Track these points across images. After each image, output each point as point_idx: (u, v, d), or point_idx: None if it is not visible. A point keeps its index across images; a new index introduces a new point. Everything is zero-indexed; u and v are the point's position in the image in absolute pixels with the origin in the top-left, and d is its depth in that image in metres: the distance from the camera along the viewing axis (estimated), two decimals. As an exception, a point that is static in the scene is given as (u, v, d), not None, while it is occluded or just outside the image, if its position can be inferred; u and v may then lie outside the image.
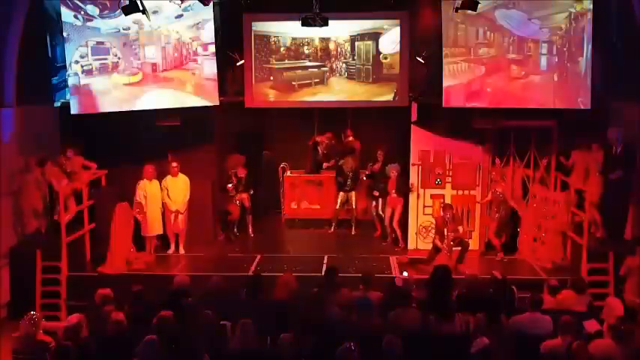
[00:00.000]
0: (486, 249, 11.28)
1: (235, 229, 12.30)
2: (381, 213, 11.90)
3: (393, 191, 11.56)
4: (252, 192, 12.17)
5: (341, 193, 12.43)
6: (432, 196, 11.61)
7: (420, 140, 11.56)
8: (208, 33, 10.65)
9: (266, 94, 11.48)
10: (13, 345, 7.01)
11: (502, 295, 7.92)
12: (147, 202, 10.93)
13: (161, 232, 11.26)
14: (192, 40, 10.69)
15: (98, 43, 10.33)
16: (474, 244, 11.40)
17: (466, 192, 11.48)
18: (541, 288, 8.22)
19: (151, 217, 11.00)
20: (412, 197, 11.64)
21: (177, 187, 11.16)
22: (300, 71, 11.37)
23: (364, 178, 12.35)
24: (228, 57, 11.36)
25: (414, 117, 11.58)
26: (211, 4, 10.28)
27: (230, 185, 11.79)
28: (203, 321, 6.91)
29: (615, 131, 10.33)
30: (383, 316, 7.23)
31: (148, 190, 10.96)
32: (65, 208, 10.50)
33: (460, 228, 10.57)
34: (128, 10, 9.39)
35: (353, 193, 12.39)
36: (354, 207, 12.49)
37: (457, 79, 10.53)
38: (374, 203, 12.10)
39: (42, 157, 10.66)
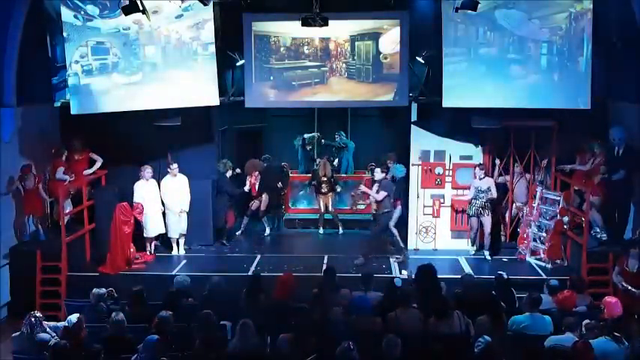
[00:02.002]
0: (478, 249, 11.25)
1: (242, 229, 12.39)
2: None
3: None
4: (280, 185, 12.44)
5: (320, 196, 12.47)
6: (433, 197, 11.61)
7: (420, 140, 11.56)
8: (208, 33, 10.63)
9: (266, 94, 11.47)
10: (13, 345, 7.02)
11: (504, 295, 7.92)
12: (144, 203, 10.90)
13: (162, 232, 11.24)
14: (192, 40, 10.66)
15: (98, 43, 10.30)
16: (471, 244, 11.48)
17: (466, 192, 11.47)
18: (541, 288, 8.21)
19: (149, 217, 10.98)
20: (412, 197, 11.63)
21: (178, 187, 11.17)
22: (300, 71, 11.35)
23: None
24: (228, 57, 11.36)
25: (414, 117, 11.58)
26: (211, 4, 10.27)
27: (252, 203, 12.25)
28: (203, 321, 6.91)
29: (618, 131, 10.33)
30: (383, 316, 7.24)
31: (145, 190, 10.95)
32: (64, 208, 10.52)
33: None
34: (128, 10, 9.38)
35: (329, 195, 12.41)
36: (330, 210, 12.53)
37: (457, 79, 10.52)
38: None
39: (58, 150, 10.83)
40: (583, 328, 6.79)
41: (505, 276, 8.30)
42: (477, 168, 10.99)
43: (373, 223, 11.29)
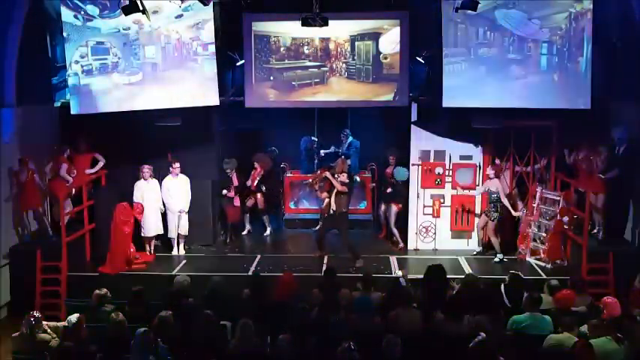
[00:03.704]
0: (485, 249, 11.26)
1: (247, 228, 12.44)
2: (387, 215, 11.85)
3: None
4: (264, 189, 12.30)
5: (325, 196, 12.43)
6: (432, 196, 11.61)
7: (420, 140, 11.56)
8: (208, 33, 10.64)
9: (266, 94, 11.48)
10: (13, 345, 7.02)
11: (517, 293, 7.89)
12: (144, 203, 10.92)
13: (160, 232, 11.25)
14: (192, 40, 10.66)
15: (98, 43, 10.32)
16: (472, 244, 11.49)
17: (466, 192, 11.47)
18: (541, 288, 8.21)
19: (148, 217, 10.99)
20: (412, 197, 11.63)
21: (179, 187, 11.18)
22: (300, 71, 11.36)
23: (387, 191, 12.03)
24: (228, 57, 11.35)
25: (414, 117, 11.58)
26: (211, 4, 10.27)
27: (249, 200, 12.29)
28: (203, 321, 6.91)
29: (621, 131, 10.32)
30: (383, 316, 7.23)
31: (145, 190, 10.95)
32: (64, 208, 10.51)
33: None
34: (128, 10, 9.38)
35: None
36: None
37: (457, 79, 10.52)
38: (383, 206, 12.06)
39: (60, 147, 10.84)
40: (585, 328, 6.79)
41: (522, 275, 8.30)
42: (489, 167, 10.95)
43: (326, 222, 11.15)
